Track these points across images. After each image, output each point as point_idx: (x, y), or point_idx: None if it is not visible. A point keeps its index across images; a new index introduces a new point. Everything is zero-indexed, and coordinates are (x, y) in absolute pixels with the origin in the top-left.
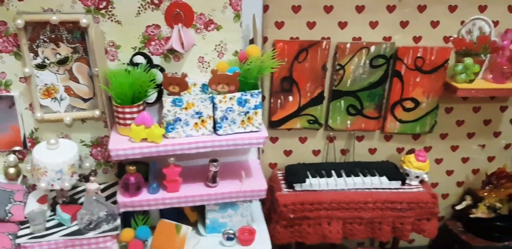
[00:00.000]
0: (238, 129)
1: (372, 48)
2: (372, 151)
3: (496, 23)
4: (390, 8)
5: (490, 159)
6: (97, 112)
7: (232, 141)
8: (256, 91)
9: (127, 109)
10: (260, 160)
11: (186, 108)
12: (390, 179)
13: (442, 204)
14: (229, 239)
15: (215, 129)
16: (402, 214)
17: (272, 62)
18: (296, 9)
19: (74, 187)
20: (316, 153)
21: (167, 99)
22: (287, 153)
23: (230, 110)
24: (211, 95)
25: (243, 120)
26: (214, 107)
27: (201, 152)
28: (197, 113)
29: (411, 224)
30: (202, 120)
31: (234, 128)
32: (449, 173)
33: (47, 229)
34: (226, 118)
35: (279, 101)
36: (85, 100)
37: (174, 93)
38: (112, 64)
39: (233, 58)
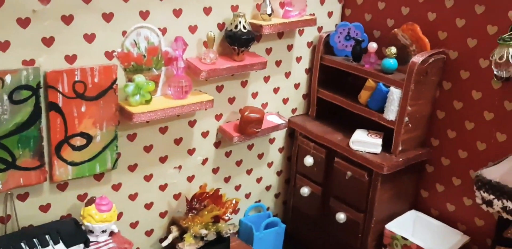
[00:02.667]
0: None
1: (8, 78)
2: (44, 209)
3: (164, 31)
4: (23, 22)
5: (190, 179)
6: None
7: None
8: None
9: None
10: None
11: None
12: (68, 245)
13: (148, 242)
14: None
15: None
16: None
17: None
18: None
19: None
20: None
21: None
22: None
23: None
24: None
25: None
26: None
27: None
28: None
29: None
30: None
31: None
32: (148, 206)
33: None
34: None
35: None
36: None
37: None
38: None
39: None
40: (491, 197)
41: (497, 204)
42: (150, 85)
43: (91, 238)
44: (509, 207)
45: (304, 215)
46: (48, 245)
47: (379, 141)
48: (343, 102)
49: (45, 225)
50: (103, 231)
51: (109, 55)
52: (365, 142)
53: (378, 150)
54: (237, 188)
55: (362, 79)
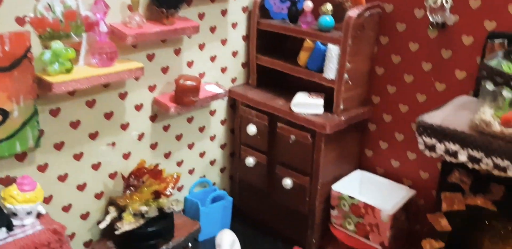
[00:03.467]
0: None
1: None
2: None
3: None
4: None
5: (126, 156)
6: None
7: None
8: None
9: None
10: None
11: None
12: None
13: (85, 226)
14: None
15: None
16: None
17: None
18: None
19: None
20: None
21: None
22: None
23: None
24: None
25: None
26: None
27: None
28: None
29: None
30: None
31: None
32: (82, 187)
33: None
34: None
35: None
36: None
37: None
38: None
39: None
40: (434, 141)
41: (440, 148)
42: (69, 52)
43: (15, 222)
44: (451, 149)
45: (251, 187)
46: None
47: (320, 101)
48: (283, 67)
49: None
50: (28, 213)
51: (20, 21)
52: (306, 104)
53: (320, 110)
54: (179, 164)
55: (300, 42)
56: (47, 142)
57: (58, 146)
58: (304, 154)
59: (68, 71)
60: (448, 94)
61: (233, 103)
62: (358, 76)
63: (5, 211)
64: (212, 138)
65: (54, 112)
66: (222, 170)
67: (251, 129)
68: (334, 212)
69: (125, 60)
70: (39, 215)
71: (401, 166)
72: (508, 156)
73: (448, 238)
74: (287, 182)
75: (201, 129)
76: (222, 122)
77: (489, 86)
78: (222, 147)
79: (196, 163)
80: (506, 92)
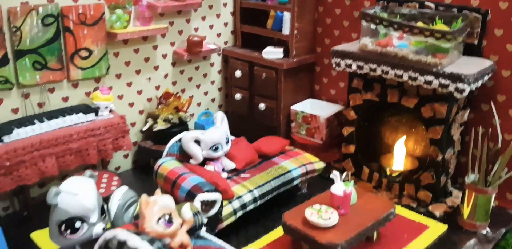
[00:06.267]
0: None
1: (40, 10)
2: (65, 99)
3: None
4: None
5: (157, 87)
6: None
7: None
8: None
9: None
10: None
11: None
12: (85, 113)
13: (133, 131)
14: None
15: None
16: (102, 137)
17: None
18: None
19: None
20: (15, 111)
21: None
22: None
23: None
24: None
25: None
26: None
27: None
28: None
29: (111, 143)
30: None
31: None
32: (131, 105)
33: None
34: None
35: None
36: None
37: None
38: None
39: None
40: (338, 60)
41: (342, 63)
42: (126, 16)
43: (100, 113)
44: (347, 63)
45: (239, 115)
46: (72, 114)
47: (280, 50)
48: (257, 30)
49: (68, 107)
50: (106, 107)
51: None
52: (271, 52)
53: (281, 55)
54: (191, 98)
55: (267, 13)
56: (112, 72)
57: (118, 76)
58: (272, 85)
59: (125, 27)
60: (357, 39)
61: (226, 59)
62: (304, 33)
63: (93, 106)
64: (212, 82)
65: (116, 54)
66: (220, 107)
67: (238, 73)
68: (292, 124)
69: (157, 24)
70: (110, 110)
71: (336, 93)
72: (376, 62)
73: (360, 128)
74: (261, 106)
75: (205, 75)
76: (219, 72)
77: (369, 26)
78: (219, 89)
79: (202, 99)
80: (380, 28)
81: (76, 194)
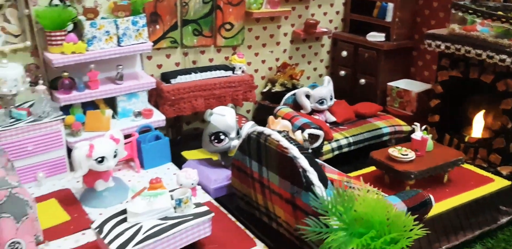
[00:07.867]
0: (133, 41)
1: None
2: (210, 60)
3: None
4: None
5: (277, 59)
6: (28, 43)
7: (131, 49)
8: (142, 15)
9: (57, 33)
10: (144, 71)
11: (99, 28)
12: (225, 70)
13: (256, 92)
14: (137, 115)
15: (119, 42)
16: (236, 89)
17: None
18: None
19: None
20: (177, 64)
21: (86, 23)
22: (159, 66)
23: (127, 29)
24: (114, 19)
25: (136, 35)
26: (117, 27)
27: (112, 58)
28: (106, 32)
29: (242, 95)
30: (110, 37)
31: (131, 41)
32: (256, 71)
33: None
34: (125, 34)
35: (150, 29)
36: (15, 36)
37: (91, 18)
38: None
39: None
40: (430, 41)
41: (432, 44)
42: (260, 0)
43: (236, 71)
44: (438, 44)
45: (341, 91)
46: (216, 70)
47: (383, 34)
48: (364, 18)
49: (213, 65)
50: (239, 68)
51: None
52: (375, 35)
53: (383, 39)
54: (302, 71)
55: (374, 3)
56: (245, 43)
57: (249, 47)
58: (372, 64)
59: (259, 8)
60: None
61: (335, 42)
62: (404, 21)
63: (230, 66)
64: (321, 61)
65: (250, 29)
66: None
67: (344, 53)
68: (388, 98)
69: (282, 8)
70: (243, 71)
71: (429, 74)
72: (461, 43)
73: (445, 101)
74: (362, 81)
75: (315, 54)
76: (328, 52)
77: (457, 14)
78: (326, 67)
79: (311, 73)
80: (468, 17)
81: (223, 115)
